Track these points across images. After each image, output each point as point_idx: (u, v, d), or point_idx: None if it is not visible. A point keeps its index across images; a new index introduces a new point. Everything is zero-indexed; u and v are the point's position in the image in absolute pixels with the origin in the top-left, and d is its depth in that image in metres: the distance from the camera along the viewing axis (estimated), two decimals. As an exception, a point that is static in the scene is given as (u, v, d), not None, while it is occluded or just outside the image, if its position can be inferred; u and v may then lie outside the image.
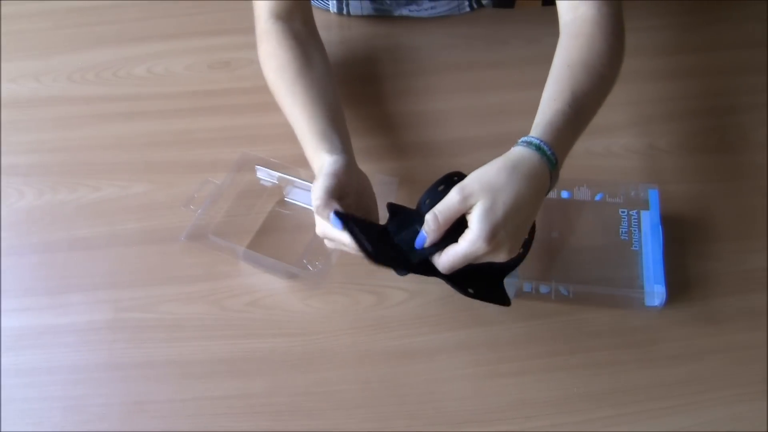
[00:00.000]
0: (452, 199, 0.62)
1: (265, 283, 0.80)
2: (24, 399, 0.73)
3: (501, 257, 0.64)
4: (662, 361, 0.74)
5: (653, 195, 0.82)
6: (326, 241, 0.70)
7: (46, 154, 0.93)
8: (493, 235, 0.62)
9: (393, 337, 0.76)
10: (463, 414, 0.71)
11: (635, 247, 0.79)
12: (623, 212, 0.82)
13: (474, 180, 0.63)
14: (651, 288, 0.75)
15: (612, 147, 0.89)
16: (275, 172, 0.87)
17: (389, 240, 0.67)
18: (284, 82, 0.80)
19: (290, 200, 0.87)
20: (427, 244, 0.64)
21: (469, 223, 0.63)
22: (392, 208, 0.69)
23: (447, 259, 0.64)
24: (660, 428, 0.70)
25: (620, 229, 0.81)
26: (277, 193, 0.88)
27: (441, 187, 0.67)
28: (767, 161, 0.89)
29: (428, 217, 0.63)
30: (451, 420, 0.71)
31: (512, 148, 0.67)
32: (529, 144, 0.66)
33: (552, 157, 0.66)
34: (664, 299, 0.74)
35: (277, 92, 0.82)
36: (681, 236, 0.82)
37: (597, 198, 0.83)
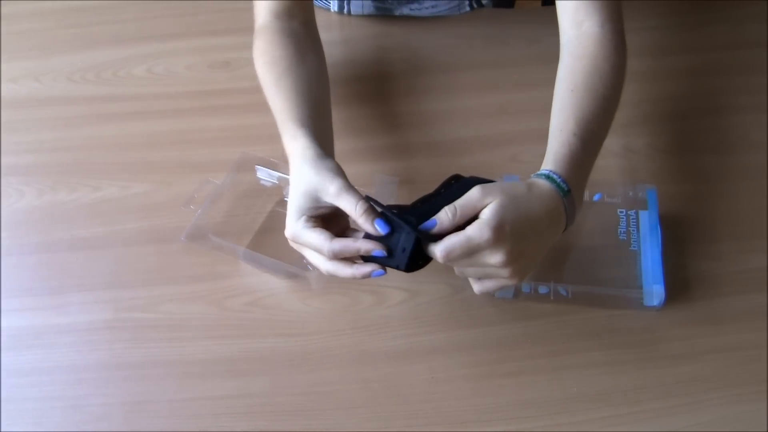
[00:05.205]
0: (473, 195, 0.64)
1: (265, 283, 0.81)
2: (24, 399, 0.73)
3: (507, 271, 0.64)
4: (662, 361, 0.74)
5: (651, 195, 0.82)
6: (291, 243, 0.70)
7: (46, 154, 0.93)
8: (500, 227, 0.62)
9: (393, 337, 0.76)
10: (463, 414, 0.71)
11: (634, 247, 0.79)
12: (621, 212, 0.82)
13: (495, 185, 0.65)
14: (650, 288, 0.75)
15: (612, 147, 0.89)
16: (275, 172, 0.87)
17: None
18: (272, 75, 0.79)
19: (290, 200, 0.87)
20: (435, 231, 0.64)
21: (480, 215, 0.63)
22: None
23: (450, 242, 0.63)
24: (660, 428, 0.70)
25: (618, 229, 0.81)
26: (277, 193, 0.88)
27: (442, 191, 0.69)
28: (767, 161, 0.89)
29: (447, 209, 0.64)
30: (451, 420, 0.71)
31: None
32: (539, 175, 0.68)
33: (563, 184, 0.68)
34: (663, 299, 0.74)
35: (265, 86, 0.80)
36: (680, 236, 0.82)
37: (595, 198, 0.83)
